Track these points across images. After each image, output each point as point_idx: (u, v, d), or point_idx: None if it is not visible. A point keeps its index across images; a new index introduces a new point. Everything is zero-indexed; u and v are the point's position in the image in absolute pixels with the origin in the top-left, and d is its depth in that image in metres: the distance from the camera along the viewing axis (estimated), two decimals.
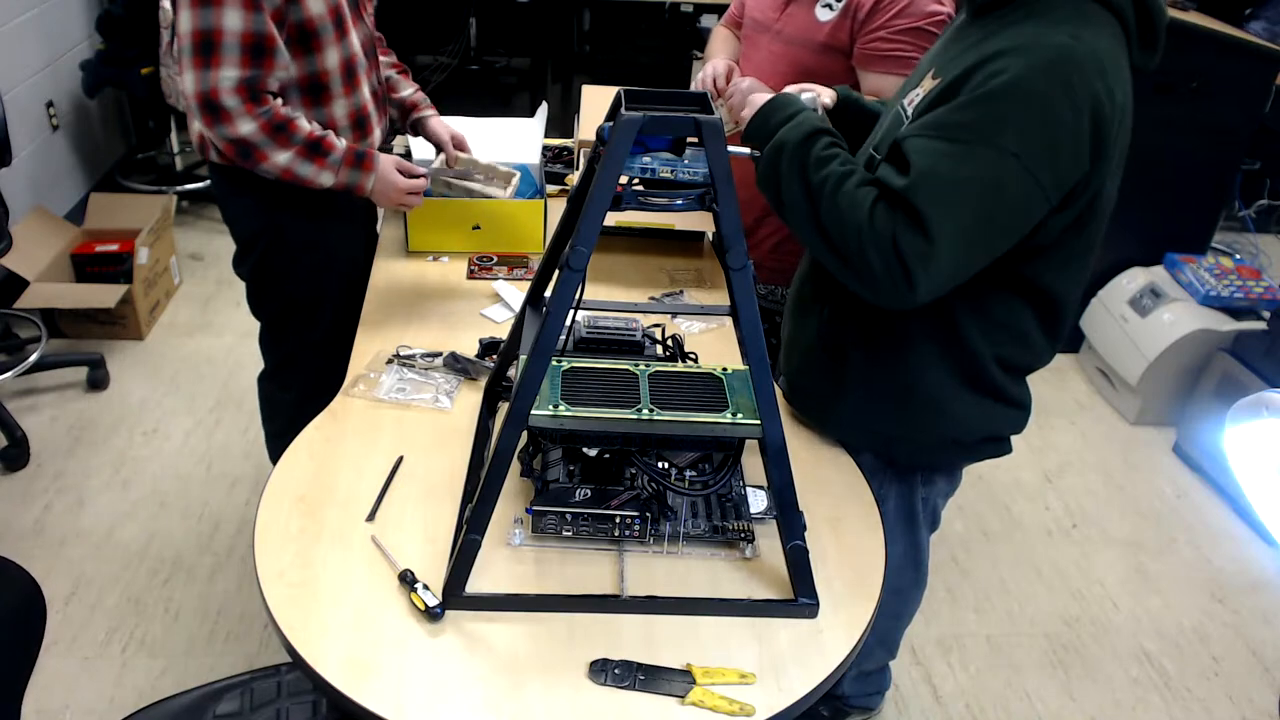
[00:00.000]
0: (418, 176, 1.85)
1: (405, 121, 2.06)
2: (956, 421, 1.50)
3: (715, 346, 1.76)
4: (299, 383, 2.10)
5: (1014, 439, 1.59)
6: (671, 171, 1.12)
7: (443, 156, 2.01)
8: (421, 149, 2.07)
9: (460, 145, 2.02)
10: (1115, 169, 1.30)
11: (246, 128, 1.65)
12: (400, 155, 2.17)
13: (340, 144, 1.75)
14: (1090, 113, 1.20)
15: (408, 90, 2.05)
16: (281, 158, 1.69)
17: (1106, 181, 1.29)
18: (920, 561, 1.74)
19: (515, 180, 2.01)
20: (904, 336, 1.44)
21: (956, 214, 1.20)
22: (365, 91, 1.86)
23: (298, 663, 1.15)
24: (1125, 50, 1.28)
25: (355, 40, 1.81)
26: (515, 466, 1.27)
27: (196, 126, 1.81)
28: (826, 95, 1.56)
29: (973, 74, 1.23)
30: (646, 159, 1.12)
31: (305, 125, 1.71)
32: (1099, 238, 1.37)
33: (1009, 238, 1.27)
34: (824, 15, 1.88)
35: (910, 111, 1.35)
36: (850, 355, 1.50)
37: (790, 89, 1.52)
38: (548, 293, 1.17)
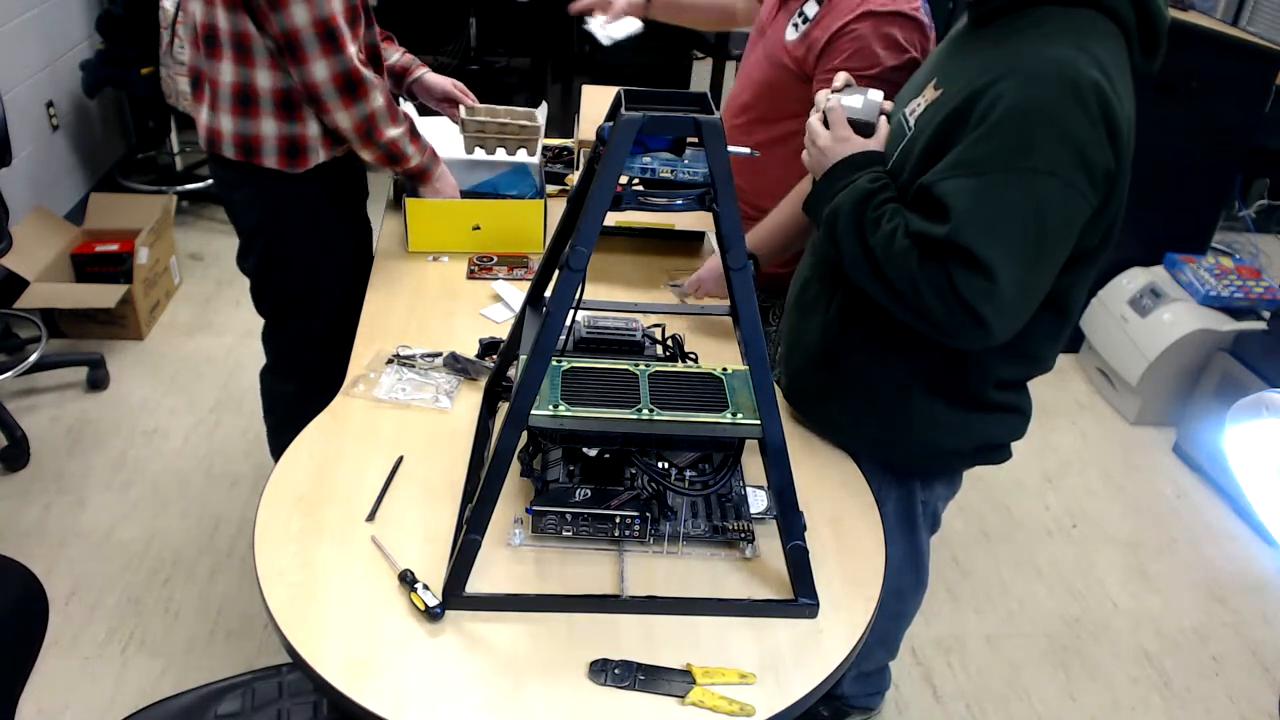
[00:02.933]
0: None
1: (401, 87, 2.10)
2: (951, 432, 1.50)
3: (715, 346, 1.75)
4: (298, 377, 2.12)
5: (1014, 442, 1.59)
6: (671, 171, 1.12)
7: (461, 108, 2.09)
8: (440, 144, 2.06)
9: (463, 92, 2.13)
10: (1126, 178, 1.30)
11: (379, 101, 1.76)
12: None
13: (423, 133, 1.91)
14: (1104, 117, 1.19)
15: (395, 55, 2.10)
16: (395, 132, 1.82)
17: (1122, 195, 1.29)
18: (920, 563, 1.75)
19: (542, 110, 2.07)
20: (899, 348, 1.44)
21: (1009, 244, 1.20)
22: (385, 79, 1.90)
23: (298, 663, 1.15)
24: (1128, 58, 1.27)
25: (375, 31, 1.87)
26: (515, 466, 1.27)
27: (213, 121, 1.80)
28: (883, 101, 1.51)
29: (979, 99, 1.22)
30: (646, 159, 1.12)
31: (395, 104, 1.82)
32: (1114, 245, 1.37)
33: (1065, 251, 1.26)
34: (790, 34, 1.84)
35: (912, 121, 1.34)
36: (847, 360, 1.50)
37: (841, 85, 1.48)
38: (548, 293, 1.17)
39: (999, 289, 1.20)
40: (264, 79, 1.74)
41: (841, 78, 1.49)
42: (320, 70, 1.69)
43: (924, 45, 1.74)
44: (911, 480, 1.60)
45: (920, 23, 1.72)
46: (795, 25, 1.84)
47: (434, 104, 2.16)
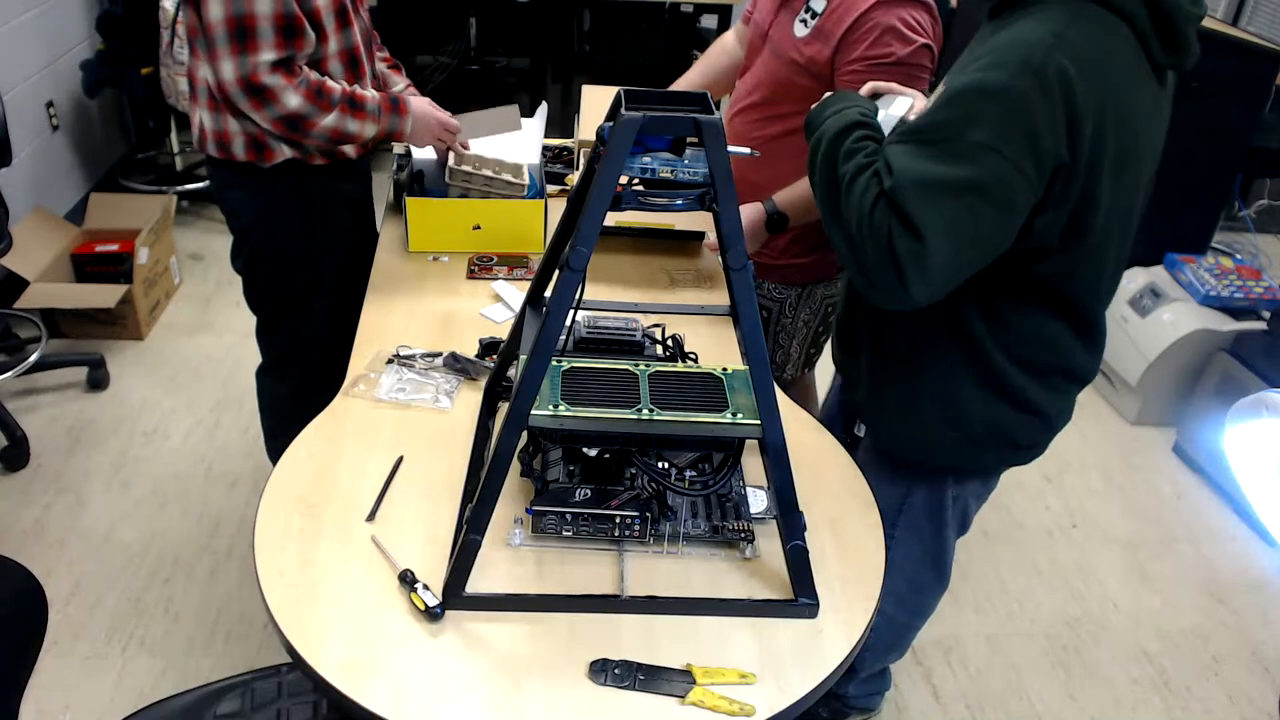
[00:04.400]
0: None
1: None
2: (967, 422, 1.50)
3: (715, 346, 1.75)
4: (294, 377, 2.12)
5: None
6: (671, 171, 1.12)
7: (450, 155, 2.03)
8: (419, 151, 2.07)
9: (450, 131, 2.05)
10: (1121, 180, 1.28)
11: (293, 101, 1.70)
12: (400, 155, 2.18)
13: (371, 93, 1.82)
14: (1065, 105, 1.19)
15: (399, 85, 2.09)
16: (328, 120, 1.75)
17: (1104, 189, 1.27)
18: (944, 562, 1.74)
19: (525, 169, 2.03)
20: (917, 337, 1.45)
21: (942, 213, 1.20)
22: (367, 83, 1.90)
23: (298, 663, 1.15)
24: (1137, 51, 1.26)
25: (356, 32, 1.84)
26: (515, 466, 1.27)
27: (200, 119, 1.82)
28: (921, 101, 1.51)
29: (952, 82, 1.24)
30: (646, 159, 1.12)
31: (334, 84, 1.76)
32: (1112, 247, 1.36)
33: (1002, 233, 1.25)
34: (799, 30, 1.85)
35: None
36: (868, 349, 1.51)
37: (880, 93, 1.50)
38: (548, 293, 1.17)
39: (928, 254, 1.20)
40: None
41: (869, 88, 1.51)
42: (226, 69, 1.66)
43: (934, 30, 1.76)
44: (944, 475, 1.60)
45: (929, 5, 1.75)
46: (804, 21, 1.85)
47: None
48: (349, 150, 1.92)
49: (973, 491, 1.65)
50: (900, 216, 1.20)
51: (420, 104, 1.90)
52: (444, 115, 1.94)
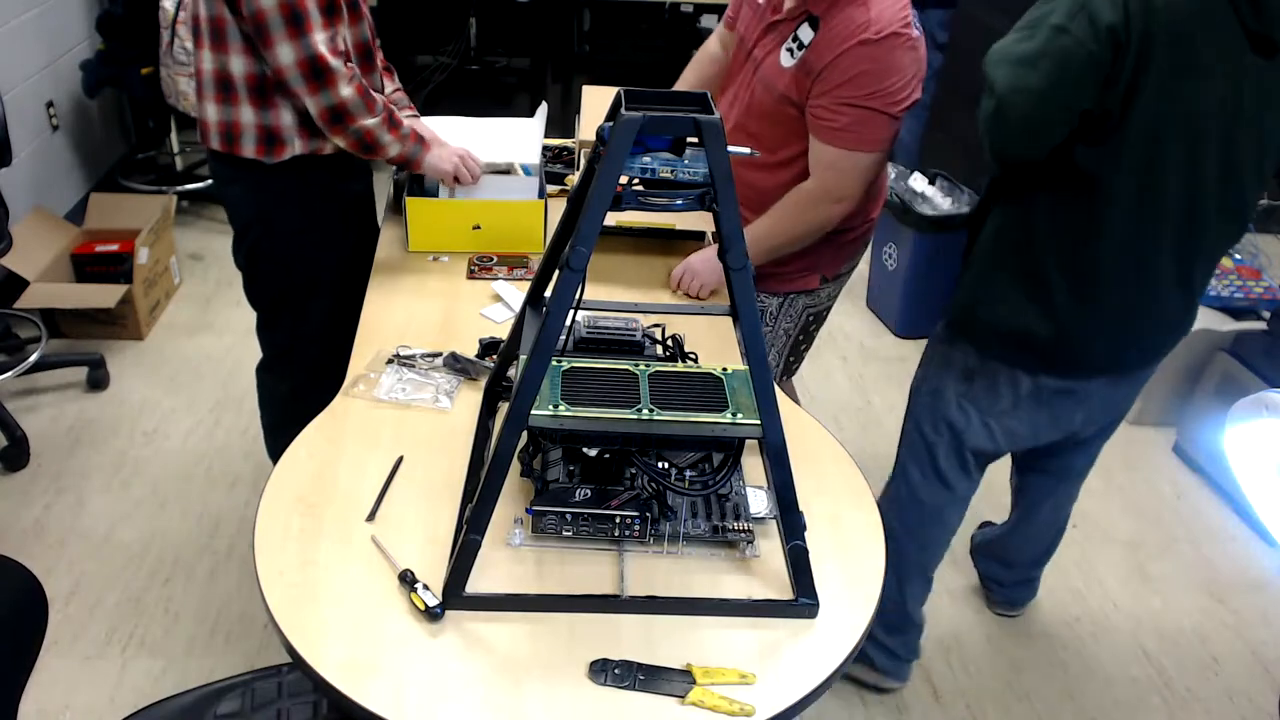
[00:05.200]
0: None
1: None
2: (994, 296, 1.70)
3: (715, 346, 1.75)
4: (294, 375, 2.12)
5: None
6: (671, 171, 1.12)
7: None
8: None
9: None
10: (1179, 89, 1.44)
11: (346, 90, 1.74)
12: None
13: (404, 118, 1.91)
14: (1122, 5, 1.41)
15: (389, 88, 2.09)
16: (369, 122, 1.79)
17: (1151, 80, 1.43)
18: (942, 478, 1.94)
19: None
20: (987, 207, 1.72)
21: (1011, 74, 1.48)
22: (377, 79, 1.92)
23: (298, 663, 1.15)
24: (1226, 9, 1.42)
25: (367, 27, 1.87)
26: (515, 466, 1.27)
27: (207, 111, 1.82)
28: None
29: None
30: (646, 159, 1.12)
31: (375, 95, 1.81)
32: (1163, 175, 1.51)
33: (1064, 93, 1.46)
34: (786, 60, 1.85)
35: None
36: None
37: None
38: (548, 293, 1.17)
39: (999, 110, 1.50)
40: (238, 65, 1.75)
41: None
42: (285, 54, 1.69)
43: (917, 65, 1.76)
44: (949, 369, 1.83)
45: (913, 39, 1.75)
46: (790, 51, 1.84)
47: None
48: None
49: (979, 401, 1.82)
50: (987, 82, 1.52)
51: (438, 140, 1.97)
52: (461, 149, 1.99)
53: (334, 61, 1.71)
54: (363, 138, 1.80)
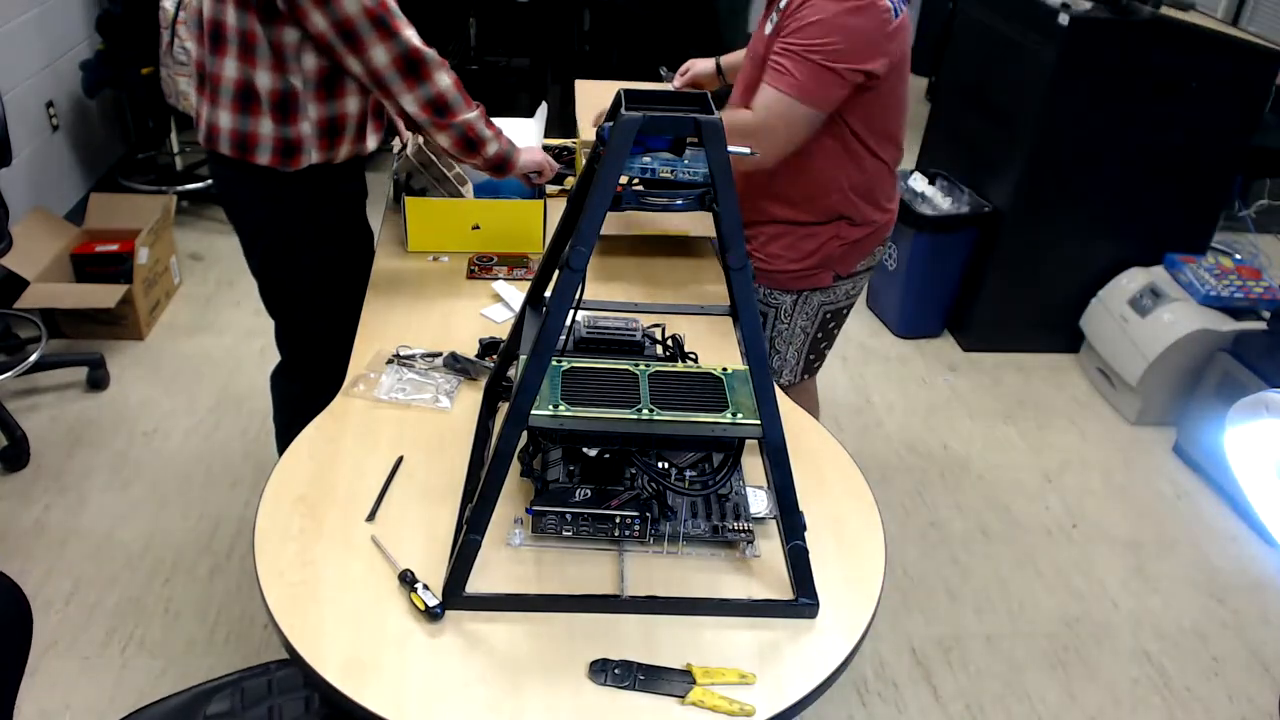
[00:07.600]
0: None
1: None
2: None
3: (715, 346, 1.75)
4: (305, 377, 2.12)
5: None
6: (671, 171, 1.12)
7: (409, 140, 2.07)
8: None
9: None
10: None
11: (445, 80, 1.73)
12: (397, 153, 2.18)
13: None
14: None
15: None
16: (470, 115, 1.78)
17: None
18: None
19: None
20: None
21: None
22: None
23: (298, 663, 1.15)
24: None
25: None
26: (515, 466, 1.27)
27: (217, 119, 1.80)
28: None
29: None
30: (646, 159, 1.12)
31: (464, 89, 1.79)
32: None
33: None
34: (767, 29, 1.89)
35: None
36: None
37: None
38: (548, 293, 1.17)
39: None
40: (264, 80, 1.74)
41: None
42: (380, 55, 1.68)
43: (874, 33, 1.76)
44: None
45: (877, 6, 1.75)
46: (771, 20, 1.87)
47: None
48: (370, 143, 1.91)
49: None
50: None
51: (525, 149, 1.95)
52: (543, 154, 1.99)
53: (428, 52, 1.71)
54: (465, 133, 1.77)
